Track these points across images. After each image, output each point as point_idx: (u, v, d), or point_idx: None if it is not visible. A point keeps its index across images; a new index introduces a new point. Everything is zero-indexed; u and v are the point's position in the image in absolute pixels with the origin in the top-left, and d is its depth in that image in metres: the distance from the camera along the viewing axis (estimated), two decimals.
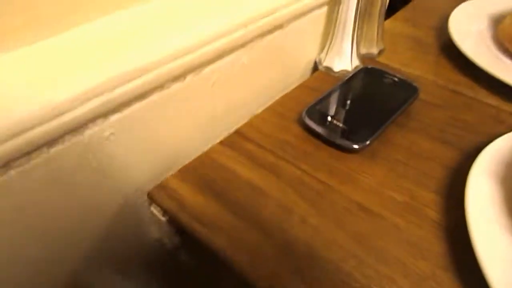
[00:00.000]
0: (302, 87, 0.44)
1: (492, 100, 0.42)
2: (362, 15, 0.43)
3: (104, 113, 0.26)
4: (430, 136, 0.37)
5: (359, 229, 0.29)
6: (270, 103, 0.42)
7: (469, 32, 0.49)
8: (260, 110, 0.41)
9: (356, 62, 0.45)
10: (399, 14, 0.58)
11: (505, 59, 0.45)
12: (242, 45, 0.35)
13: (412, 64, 0.47)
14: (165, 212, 0.33)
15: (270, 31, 0.37)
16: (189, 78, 0.31)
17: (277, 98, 0.42)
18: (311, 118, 0.37)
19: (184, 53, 0.29)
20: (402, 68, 0.46)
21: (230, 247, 0.29)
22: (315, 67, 0.48)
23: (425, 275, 0.27)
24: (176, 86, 0.30)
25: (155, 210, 0.35)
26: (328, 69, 0.46)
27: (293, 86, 0.44)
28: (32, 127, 0.23)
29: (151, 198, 0.33)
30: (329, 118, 0.37)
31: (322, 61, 0.46)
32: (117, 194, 0.32)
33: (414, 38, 0.53)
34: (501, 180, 0.30)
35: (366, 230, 0.29)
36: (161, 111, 0.31)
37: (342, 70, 0.45)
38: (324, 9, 0.43)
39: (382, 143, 0.36)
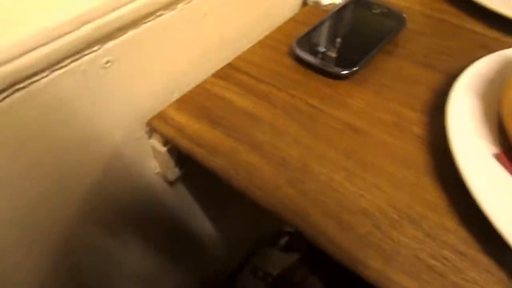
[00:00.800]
0: (291, 21, 0.44)
1: (478, 27, 0.43)
2: None
3: (100, 39, 0.27)
4: (417, 62, 0.38)
5: (348, 145, 0.31)
6: (260, 38, 0.42)
7: None
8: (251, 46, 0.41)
9: None
10: None
11: None
12: None
13: None
14: (165, 141, 0.35)
15: None
16: (180, 6, 0.31)
17: (267, 33, 0.43)
18: (301, 48, 0.38)
19: None
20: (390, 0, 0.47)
21: (229, 166, 0.30)
22: (305, 2, 0.48)
23: (410, 182, 0.29)
24: (169, 14, 0.31)
25: (155, 141, 0.36)
26: (317, 3, 0.46)
27: (283, 22, 0.44)
28: (31, 49, 0.23)
29: (151, 126, 0.34)
30: (319, 48, 0.38)
31: None
32: (116, 125, 0.33)
33: None
34: (480, 95, 0.32)
35: (355, 146, 0.31)
36: (155, 41, 0.31)
37: (330, 4, 0.45)
38: None
39: (371, 70, 0.37)
